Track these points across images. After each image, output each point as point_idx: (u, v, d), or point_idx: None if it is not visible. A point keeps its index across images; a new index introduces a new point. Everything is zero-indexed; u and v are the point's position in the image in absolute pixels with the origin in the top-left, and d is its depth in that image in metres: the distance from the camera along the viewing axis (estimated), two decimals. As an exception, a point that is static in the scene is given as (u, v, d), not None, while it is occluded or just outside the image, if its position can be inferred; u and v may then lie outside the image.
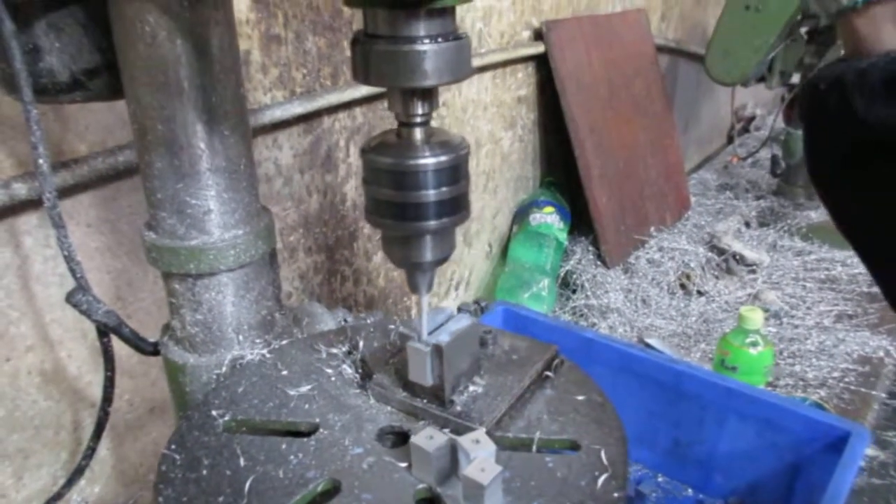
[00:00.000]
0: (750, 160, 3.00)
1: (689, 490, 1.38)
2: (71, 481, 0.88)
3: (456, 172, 0.56)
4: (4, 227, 0.93)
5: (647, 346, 1.74)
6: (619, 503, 0.52)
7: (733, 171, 2.98)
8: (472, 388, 0.63)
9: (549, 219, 1.99)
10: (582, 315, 1.92)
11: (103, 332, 0.79)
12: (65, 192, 0.96)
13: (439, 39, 0.49)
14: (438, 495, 0.54)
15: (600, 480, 0.54)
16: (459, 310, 0.64)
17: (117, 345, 0.83)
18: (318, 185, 1.40)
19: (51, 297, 1.00)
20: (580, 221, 2.10)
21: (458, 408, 0.61)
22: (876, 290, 2.04)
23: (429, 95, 0.54)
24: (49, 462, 1.06)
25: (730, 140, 3.31)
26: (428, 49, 0.49)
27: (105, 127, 1.00)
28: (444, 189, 0.55)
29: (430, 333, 0.61)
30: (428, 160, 0.54)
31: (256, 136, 1.23)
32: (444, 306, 0.63)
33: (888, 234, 0.52)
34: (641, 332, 1.86)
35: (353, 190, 1.48)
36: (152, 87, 0.65)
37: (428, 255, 0.58)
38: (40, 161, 0.69)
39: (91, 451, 0.86)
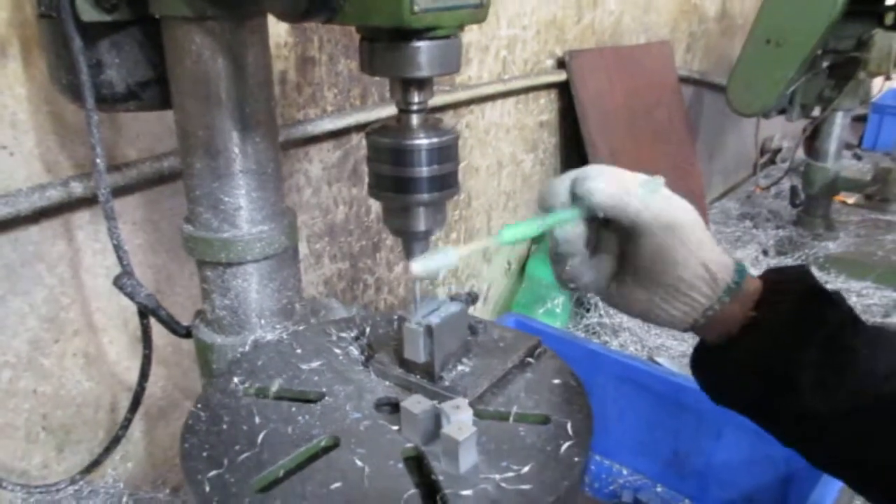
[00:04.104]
0: (774, 191, 3.04)
1: (687, 501, 1.43)
2: (108, 449, 0.98)
3: (446, 153, 0.65)
4: (61, 221, 1.04)
5: (656, 364, 1.80)
6: (578, 467, 0.60)
7: (756, 201, 3.02)
8: (460, 367, 0.72)
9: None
10: (594, 333, 1.99)
11: (143, 313, 0.89)
12: (115, 192, 1.06)
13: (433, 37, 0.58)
14: (422, 452, 0.63)
15: (563, 447, 0.62)
16: (452, 298, 0.73)
17: (155, 335, 0.93)
18: (344, 196, 1.50)
19: (98, 287, 1.11)
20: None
21: (447, 383, 0.70)
22: (889, 320, 2.05)
23: (424, 86, 0.63)
24: (88, 439, 1.16)
25: (755, 170, 3.36)
26: (422, 45, 0.58)
27: (153, 135, 1.11)
28: (435, 167, 0.64)
29: (423, 317, 0.70)
30: (422, 141, 0.63)
31: (289, 149, 1.34)
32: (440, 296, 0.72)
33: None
34: (652, 352, 1.92)
35: (377, 203, 1.58)
36: (196, 97, 0.75)
37: (421, 224, 0.68)
38: (98, 161, 0.80)
39: (127, 422, 0.96)
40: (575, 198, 0.65)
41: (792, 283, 0.64)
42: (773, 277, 0.65)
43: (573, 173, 0.66)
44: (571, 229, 0.65)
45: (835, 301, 0.62)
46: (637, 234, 0.64)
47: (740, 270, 0.65)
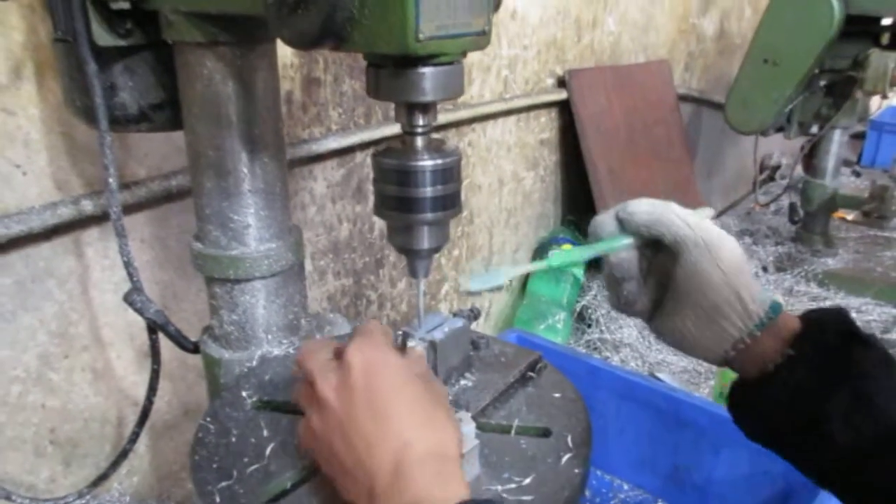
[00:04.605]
0: (773, 207, 3.06)
1: (687, 515, 1.44)
2: (116, 463, 1.00)
3: (450, 173, 0.67)
4: (71, 238, 1.06)
5: (657, 380, 1.81)
6: (578, 478, 0.62)
7: (755, 218, 3.05)
8: (462, 381, 0.74)
9: (567, 255, 2.09)
10: (595, 349, 2.00)
11: (152, 329, 0.91)
12: (124, 210, 1.08)
13: (437, 63, 0.61)
14: (426, 465, 0.64)
15: (564, 459, 0.64)
16: (455, 314, 0.75)
17: (161, 350, 0.94)
18: (348, 214, 1.52)
19: (106, 302, 1.13)
20: (597, 259, 2.19)
21: (450, 397, 0.72)
22: (889, 336, 2.07)
23: (428, 109, 0.65)
24: (94, 453, 1.17)
25: (754, 187, 3.39)
26: (426, 71, 0.60)
27: (162, 154, 1.13)
28: (439, 187, 0.66)
29: (427, 332, 0.72)
30: (426, 162, 0.65)
31: (294, 168, 1.36)
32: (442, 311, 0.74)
33: None
34: (652, 367, 1.93)
35: (380, 220, 1.60)
36: (206, 119, 0.78)
37: (425, 243, 0.69)
38: (110, 180, 0.82)
39: (135, 436, 0.98)
40: (623, 228, 0.70)
41: (830, 323, 0.66)
42: (811, 317, 0.68)
43: (619, 205, 0.71)
44: (625, 254, 0.69)
45: (870, 343, 0.64)
46: (677, 251, 0.67)
47: (775, 306, 0.67)
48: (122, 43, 0.78)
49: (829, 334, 0.65)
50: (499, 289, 0.66)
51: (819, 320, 0.67)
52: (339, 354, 0.62)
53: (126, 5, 0.73)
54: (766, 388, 0.66)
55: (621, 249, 0.69)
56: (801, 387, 0.64)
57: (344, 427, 0.57)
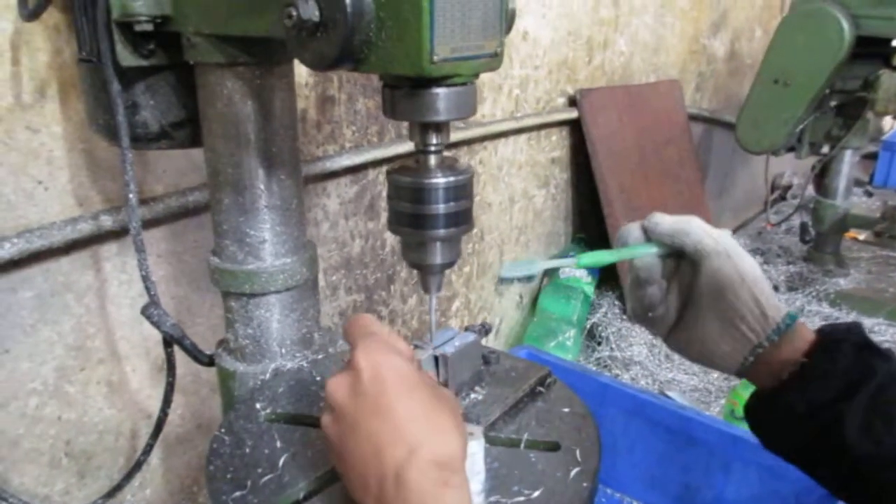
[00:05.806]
0: (784, 227, 3.06)
1: (698, 535, 1.43)
2: (130, 475, 1.01)
3: (462, 191, 0.68)
4: (89, 253, 1.08)
5: (667, 398, 1.81)
6: (587, 492, 0.63)
7: (766, 237, 3.04)
8: (473, 395, 0.75)
9: (577, 273, 2.10)
10: (605, 366, 2.00)
11: (168, 342, 0.93)
12: (142, 225, 1.11)
13: (450, 84, 0.63)
14: (437, 477, 0.65)
15: (573, 473, 0.65)
16: (466, 329, 0.77)
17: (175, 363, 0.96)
18: (360, 230, 1.54)
19: (122, 316, 1.14)
20: (607, 277, 2.20)
21: (461, 410, 0.73)
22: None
23: (441, 129, 0.67)
24: (108, 465, 1.19)
25: (766, 207, 3.39)
26: (440, 92, 0.62)
27: (179, 171, 1.16)
28: (451, 204, 0.67)
29: (438, 347, 0.73)
30: (439, 180, 0.66)
31: (308, 185, 1.38)
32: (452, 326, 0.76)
33: None
34: (663, 386, 1.93)
35: (392, 236, 1.62)
36: (225, 138, 0.80)
37: (438, 258, 0.71)
38: (131, 196, 0.84)
39: (150, 448, 0.99)
40: (648, 237, 0.75)
41: (845, 335, 0.68)
42: (826, 329, 0.71)
43: (646, 217, 0.76)
44: (649, 259, 0.74)
45: (886, 355, 0.67)
46: (698, 259, 0.71)
47: (792, 315, 0.70)
48: (144, 63, 0.80)
49: (843, 344, 0.67)
50: (530, 279, 0.71)
51: (834, 332, 0.69)
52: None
53: (149, 27, 0.75)
54: (781, 396, 0.67)
55: (646, 256, 0.73)
56: (816, 395, 0.65)
57: (355, 431, 0.58)
